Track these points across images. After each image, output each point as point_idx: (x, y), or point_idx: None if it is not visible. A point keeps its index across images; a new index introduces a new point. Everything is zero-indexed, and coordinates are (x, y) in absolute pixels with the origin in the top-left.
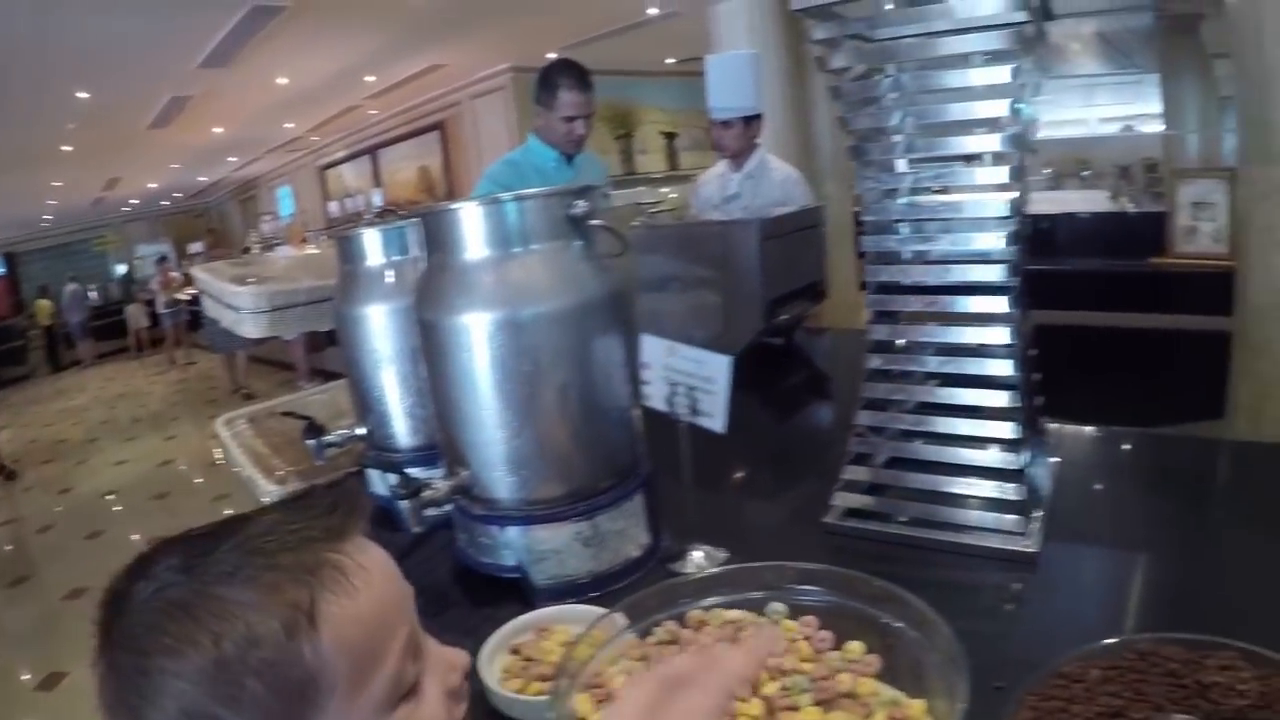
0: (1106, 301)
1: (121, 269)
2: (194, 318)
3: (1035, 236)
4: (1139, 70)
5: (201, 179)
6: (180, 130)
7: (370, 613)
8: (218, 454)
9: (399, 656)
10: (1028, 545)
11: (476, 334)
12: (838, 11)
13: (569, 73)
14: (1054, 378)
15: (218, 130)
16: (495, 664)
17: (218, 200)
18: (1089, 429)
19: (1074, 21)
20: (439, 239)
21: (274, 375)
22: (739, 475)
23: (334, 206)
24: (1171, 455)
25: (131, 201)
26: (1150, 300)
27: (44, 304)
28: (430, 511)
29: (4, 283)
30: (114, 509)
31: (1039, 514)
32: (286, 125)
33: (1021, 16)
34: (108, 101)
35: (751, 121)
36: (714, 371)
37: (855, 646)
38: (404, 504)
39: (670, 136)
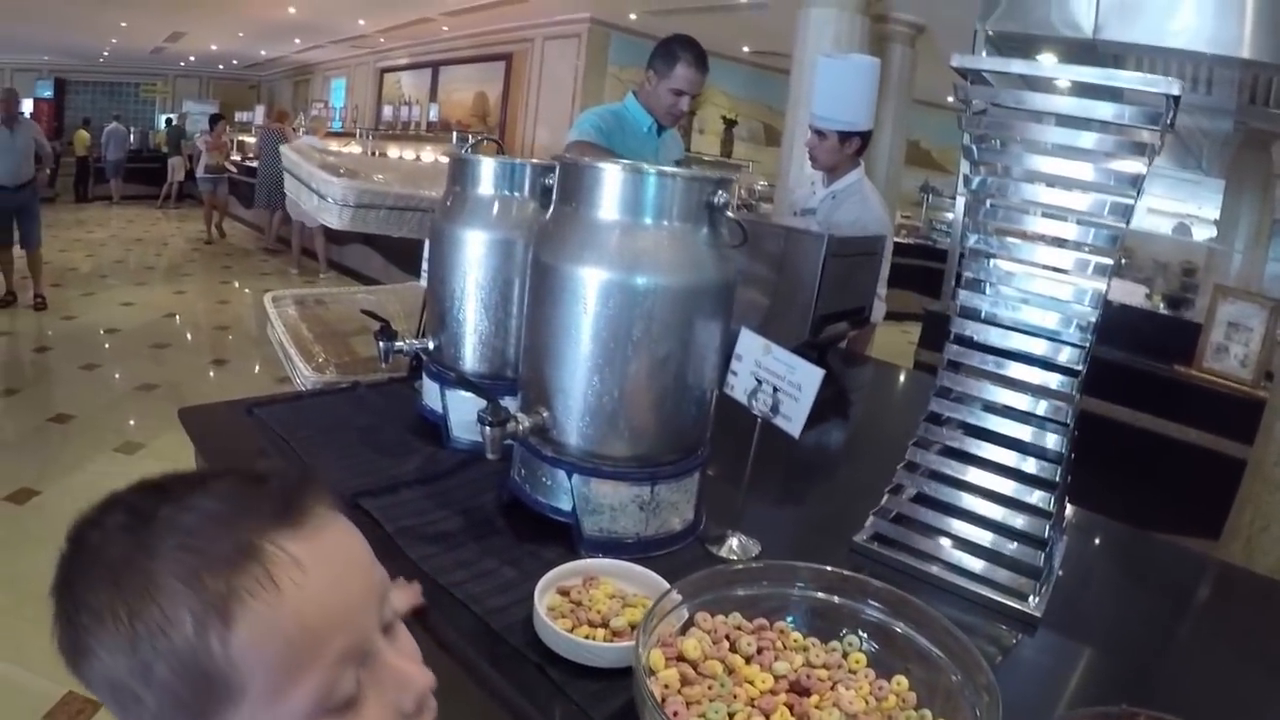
0: (1122, 396)
1: (167, 119)
2: (233, 187)
3: None
4: (1201, 173)
5: (262, 53)
6: (256, 2)
7: (298, 617)
8: (218, 319)
9: (331, 666)
10: (1034, 609)
11: (593, 288)
12: (988, 77)
13: (691, 49)
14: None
15: (292, 10)
16: (545, 600)
17: (271, 76)
18: (1099, 517)
19: None
20: (575, 190)
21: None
22: (771, 476)
23: (388, 110)
24: (1164, 559)
25: (190, 58)
26: (1167, 407)
27: (83, 134)
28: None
29: (50, 106)
30: (109, 347)
31: (1049, 583)
32: (359, 21)
33: (1158, 127)
34: None
35: (849, 138)
36: (804, 379)
37: (902, 683)
38: (487, 430)
39: (730, 123)
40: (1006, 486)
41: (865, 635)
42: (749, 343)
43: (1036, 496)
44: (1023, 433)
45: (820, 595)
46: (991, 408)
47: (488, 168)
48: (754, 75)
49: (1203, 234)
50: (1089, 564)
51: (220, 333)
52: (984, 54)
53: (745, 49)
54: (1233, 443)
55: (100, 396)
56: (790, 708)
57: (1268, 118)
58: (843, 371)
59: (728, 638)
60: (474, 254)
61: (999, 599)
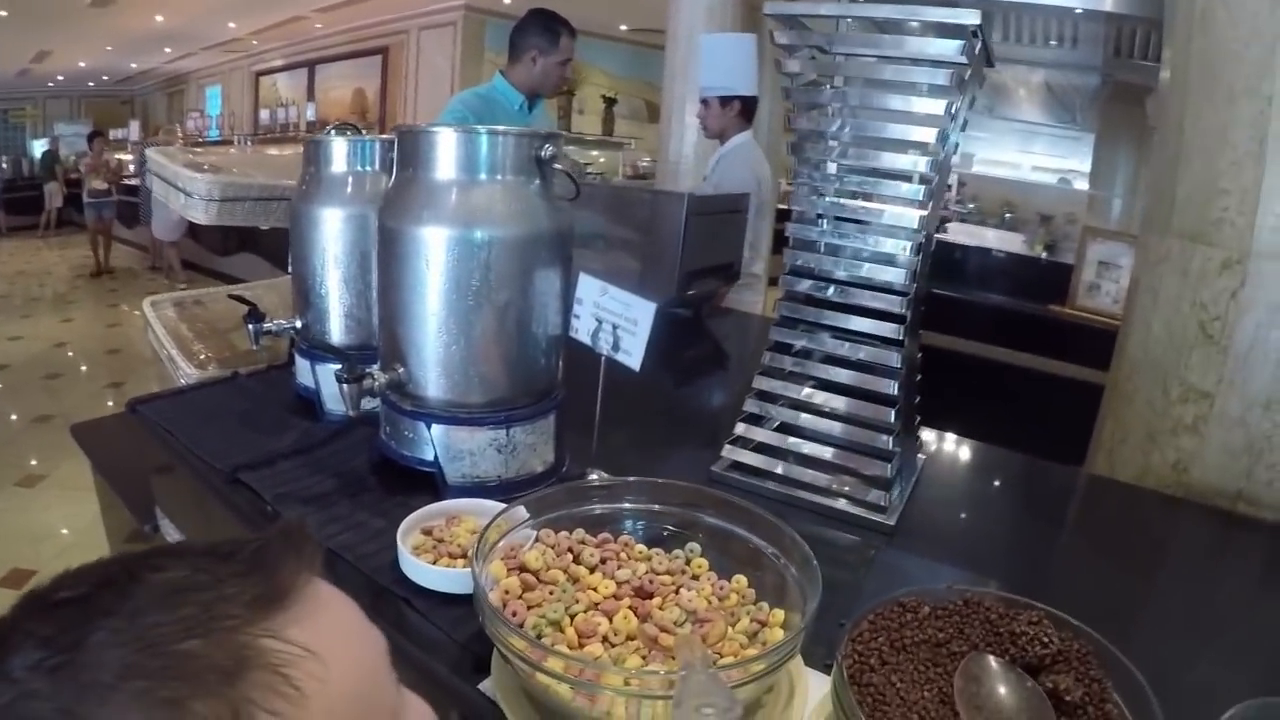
0: (1001, 337)
1: (40, 144)
2: (122, 209)
3: (948, 265)
4: (1079, 128)
5: (133, 66)
6: (121, 12)
7: (329, 718)
8: (108, 342)
9: None
10: (887, 518)
11: (434, 246)
12: (803, 21)
13: (564, 22)
14: (940, 397)
15: (159, 18)
16: (408, 540)
17: (144, 90)
18: (961, 438)
19: (1025, 69)
20: (413, 155)
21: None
22: (638, 419)
23: (265, 114)
24: (1025, 473)
25: (58, 78)
26: (1042, 344)
27: None
28: (365, 401)
29: None
30: (0, 384)
31: (900, 494)
32: (229, 24)
33: (963, 59)
34: None
35: (729, 102)
36: (639, 314)
37: (741, 580)
38: (345, 388)
39: (610, 102)
40: (849, 405)
41: (703, 542)
42: (587, 286)
43: (874, 410)
44: (860, 353)
45: (658, 508)
46: (828, 329)
47: (339, 146)
48: (633, 53)
49: (1084, 187)
50: (953, 482)
51: (113, 356)
52: None
53: (623, 27)
54: (1106, 374)
55: None
56: (634, 610)
57: (1135, 69)
58: (706, 323)
59: (570, 550)
60: (330, 230)
61: (854, 511)
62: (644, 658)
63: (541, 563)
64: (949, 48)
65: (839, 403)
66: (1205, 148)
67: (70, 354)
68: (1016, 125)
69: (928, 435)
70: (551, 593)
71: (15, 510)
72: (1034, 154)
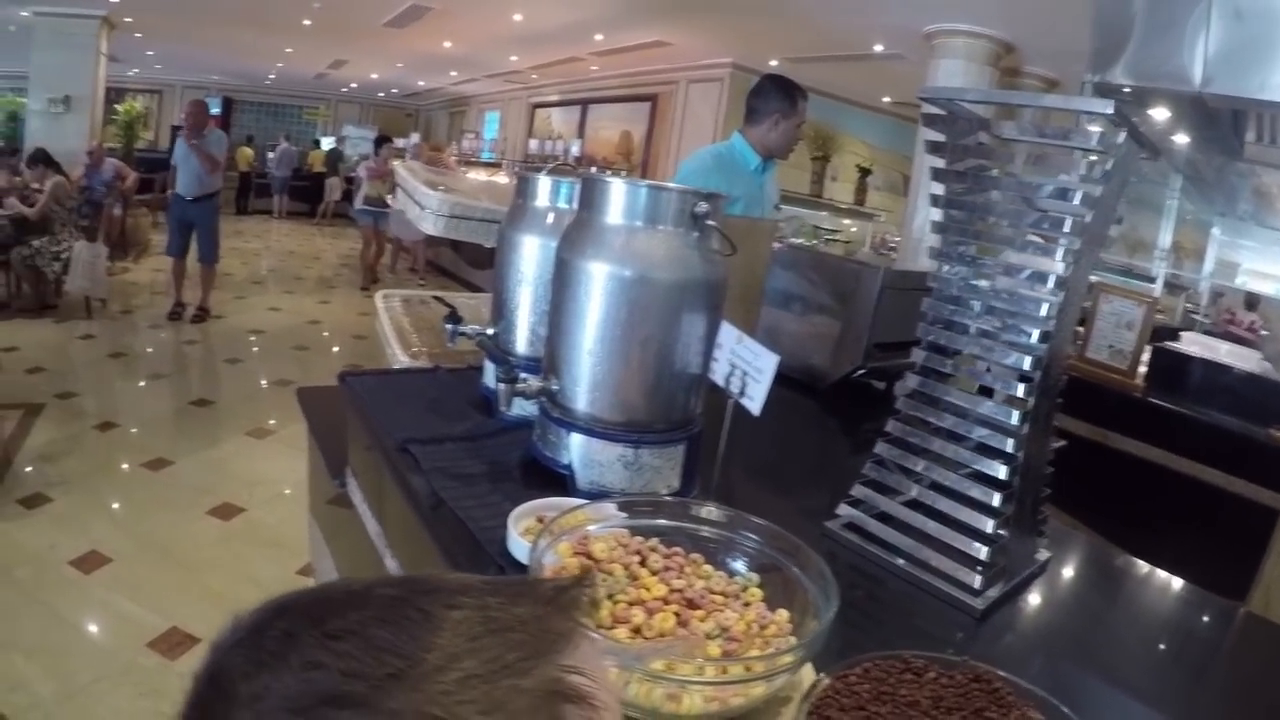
0: (1218, 460)
1: (328, 142)
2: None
3: (1169, 373)
4: None
5: (420, 83)
6: (413, 35)
7: None
8: (358, 328)
9: None
10: (977, 602)
11: (597, 279)
12: (955, 107)
13: (799, 87)
14: (1110, 498)
15: (447, 44)
16: (521, 524)
17: (428, 106)
18: (1108, 544)
19: None
20: (590, 199)
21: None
22: (772, 464)
23: (534, 144)
24: (1157, 591)
25: (351, 85)
26: (1257, 471)
27: (246, 151)
28: (520, 402)
29: (219, 122)
30: (255, 347)
31: (1002, 583)
32: (511, 57)
33: (1099, 147)
34: None
35: None
36: (764, 365)
37: (783, 614)
38: (501, 387)
39: (865, 172)
40: (960, 483)
41: (767, 580)
42: (727, 333)
43: (982, 492)
44: (977, 432)
45: (735, 539)
46: (951, 406)
47: (542, 184)
48: (892, 125)
49: None
50: (1073, 585)
51: (358, 340)
52: None
53: (885, 99)
54: None
55: (240, 388)
56: (677, 616)
57: None
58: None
59: (639, 553)
60: (527, 255)
61: (944, 587)
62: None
63: (607, 554)
64: (1087, 138)
65: (952, 479)
66: None
67: (323, 332)
68: None
69: (1066, 534)
70: (604, 580)
71: (242, 456)
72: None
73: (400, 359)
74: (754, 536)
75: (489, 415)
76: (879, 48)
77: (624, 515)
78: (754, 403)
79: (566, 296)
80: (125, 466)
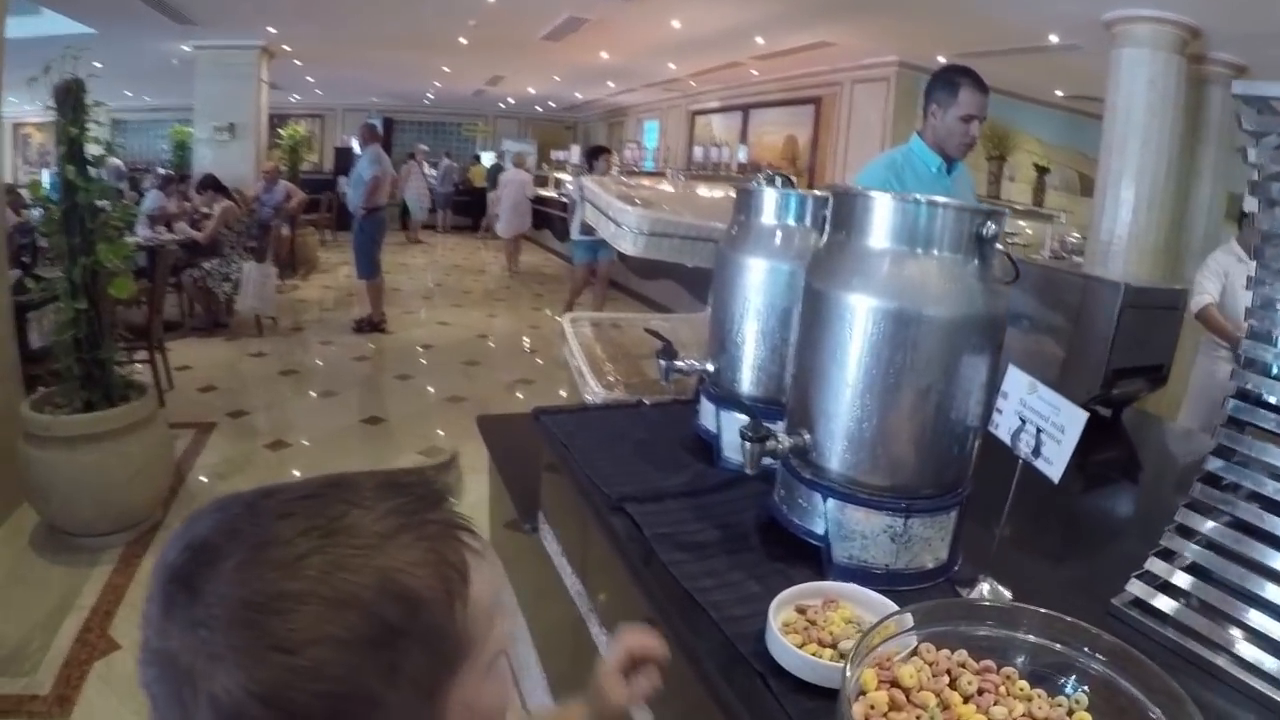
0: None
1: (489, 157)
2: (546, 221)
3: None
4: None
5: (578, 95)
6: (570, 48)
7: (491, 584)
8: (527, 342)
9: (500, 629)
10: None
11: (861, 315)
12: (1275, 105)
13: (969, 74)
14: None
15: (605, 55)
16: (780, 616)
17: (587, 117)
18: None
19: None
20: (847, 218)
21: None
22: (1036, 524)
23: (698, 151)
24: None
25: (508, 100)
26: None
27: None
28: (765, 460)
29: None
30: (423, 360)
31: None
32: (669, 65)
33: None
34: (511, 7)
35: None
36: (1068, 421)
37: None
38: (748, 446)
39: (1042, 171)
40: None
41: (1092, 692)
42: (1015, 380)
43: None
44: None
45: (1057, 647)
46: (1270, 469)
47: (770, 198)
48: (1067, 120)
49: None
50: None
51: (528, 355)
52: None
53: (1058, 93)
54: None
55: (411, 404)
56: None
57: None
58: (1128, 427)
59: (949, 673)
60: (754, 280)
61: (1252, 683)
62: None
63: (915, 681)
64: None
65: (1268, 555)
66: None
67: (491, 345)
68: None
69: None
70: (919, 718)
71: None
72: None
73: (595, 390)
74: (1075, 641)
75: (706, 461)
76: (1054, 39)
77: (914, 624)
78: (1053, 466)
79: (823, 334)
80: (249, 444)
